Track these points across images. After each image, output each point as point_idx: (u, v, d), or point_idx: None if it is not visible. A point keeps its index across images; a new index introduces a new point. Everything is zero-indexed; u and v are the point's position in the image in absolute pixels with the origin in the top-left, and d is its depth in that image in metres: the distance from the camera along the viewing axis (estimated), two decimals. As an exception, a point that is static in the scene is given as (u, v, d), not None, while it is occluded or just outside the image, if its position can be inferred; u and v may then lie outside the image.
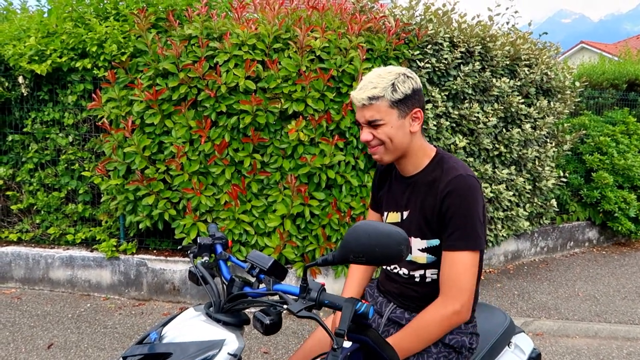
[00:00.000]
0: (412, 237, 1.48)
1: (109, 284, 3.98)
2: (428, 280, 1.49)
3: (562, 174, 5.06)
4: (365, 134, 1.44)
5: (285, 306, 1.14)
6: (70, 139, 4.13)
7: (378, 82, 1.39)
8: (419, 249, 1.47)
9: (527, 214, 4.76)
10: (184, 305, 3.85)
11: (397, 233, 1.07)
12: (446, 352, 1.45)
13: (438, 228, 1.42)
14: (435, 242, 1.44)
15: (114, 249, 3.95)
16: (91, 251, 4.06)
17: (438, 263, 1.44)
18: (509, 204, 4.57)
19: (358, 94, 1.40)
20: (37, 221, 4.25)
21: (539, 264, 5.26)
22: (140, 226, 3.77)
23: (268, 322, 1.14)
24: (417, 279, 1.51)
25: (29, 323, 3.48)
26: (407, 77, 1.42)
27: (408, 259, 1.50)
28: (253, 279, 1.32)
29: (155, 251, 4.09)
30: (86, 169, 4.06)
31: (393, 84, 1.39)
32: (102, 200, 4.01)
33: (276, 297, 1.20)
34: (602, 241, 6.07)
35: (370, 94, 1.38)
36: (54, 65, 3.90)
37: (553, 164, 4.96)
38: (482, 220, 1.41)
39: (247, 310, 1.29)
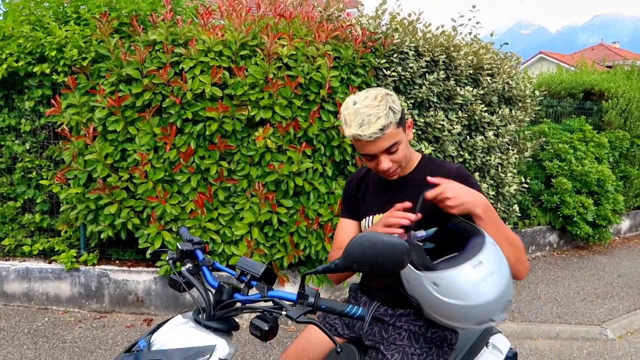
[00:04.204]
0: (412, 232, 1.49)
1: (69, 296, 3.83)
2: None
3: (523, 180, 5.20)
4: (386, 163, 1.47)
5: (283, 312, 1.16)
6: (27, 146, 3.97)
7: (377, 112, 1.40)
8: (417, 240, 1.50)
9: (490, 219, 4.86)
10: (148, 317, 3.74)
11: (401, 244, 1.11)
12: (427, 348, 1.50)
13: (442, 212, 1.42)
14: (433, 230, 1.48)
15: (73, 260, 3.81)
16: (49, 263, 3.90)
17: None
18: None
19: (365, 131, 1.40)
20: (-9, 232, 4.06)
21: (503, 268, 5.38)
22: (102, 236, 3.65)
23: (267, 328, 1.17)
24: None
25: (-19, 340, 3.31)
26: (389, 95, 1.47)
27: None
28: (242, 285, 1.32)
29: (117, 261, 3.96)
30: (44, 177, 3.91)
31: (389, 107, 1.42)
32: (61, 209, 3.87)
33: (268, 304, 1.23)
34: (562, 245, 6.27)
35: (379, 126, 1.40)
36: (9, 69, 3.74)
37: (515, 171, 5.10)
38: None
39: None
